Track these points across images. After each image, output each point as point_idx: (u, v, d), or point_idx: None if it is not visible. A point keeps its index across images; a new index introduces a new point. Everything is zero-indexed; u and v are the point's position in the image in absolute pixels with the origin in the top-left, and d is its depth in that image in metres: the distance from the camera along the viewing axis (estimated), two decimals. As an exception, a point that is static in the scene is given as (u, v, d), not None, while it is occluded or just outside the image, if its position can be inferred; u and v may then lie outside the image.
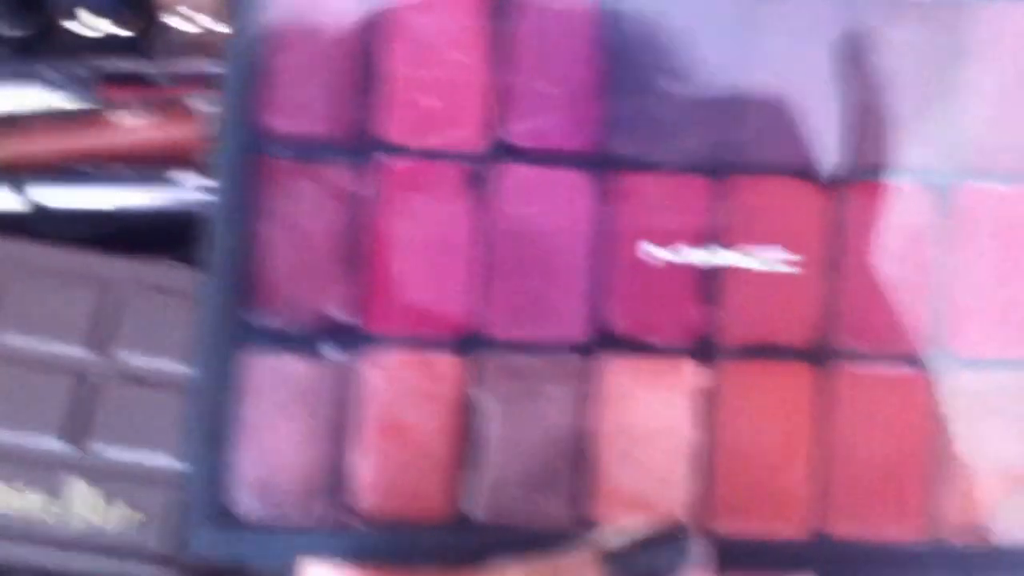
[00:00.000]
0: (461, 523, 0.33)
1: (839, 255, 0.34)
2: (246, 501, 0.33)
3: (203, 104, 0.43)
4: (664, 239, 0.34)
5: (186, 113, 0.44)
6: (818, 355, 0.34)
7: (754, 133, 0.34)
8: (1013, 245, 0.34)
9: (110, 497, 0.39)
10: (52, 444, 0.39)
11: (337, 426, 0.33)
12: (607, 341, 0.34)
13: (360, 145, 0.34)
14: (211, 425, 0.33)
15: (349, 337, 0.34)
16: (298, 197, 0.34)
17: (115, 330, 0.40)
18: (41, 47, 0.44)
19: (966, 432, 0.34)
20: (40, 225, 0.43)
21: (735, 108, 0.34)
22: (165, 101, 0.44)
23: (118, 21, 0.43)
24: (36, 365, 0.40)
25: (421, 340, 0.34)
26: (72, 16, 0.43)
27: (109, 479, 0.39)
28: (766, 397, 0.34)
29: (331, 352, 0.33)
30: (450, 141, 0.34)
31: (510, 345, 0.34)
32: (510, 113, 0.34)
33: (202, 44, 0.44)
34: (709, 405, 0.34)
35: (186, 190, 0.43)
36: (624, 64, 0.34)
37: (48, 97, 0.44)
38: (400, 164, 0.34)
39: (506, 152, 0.34)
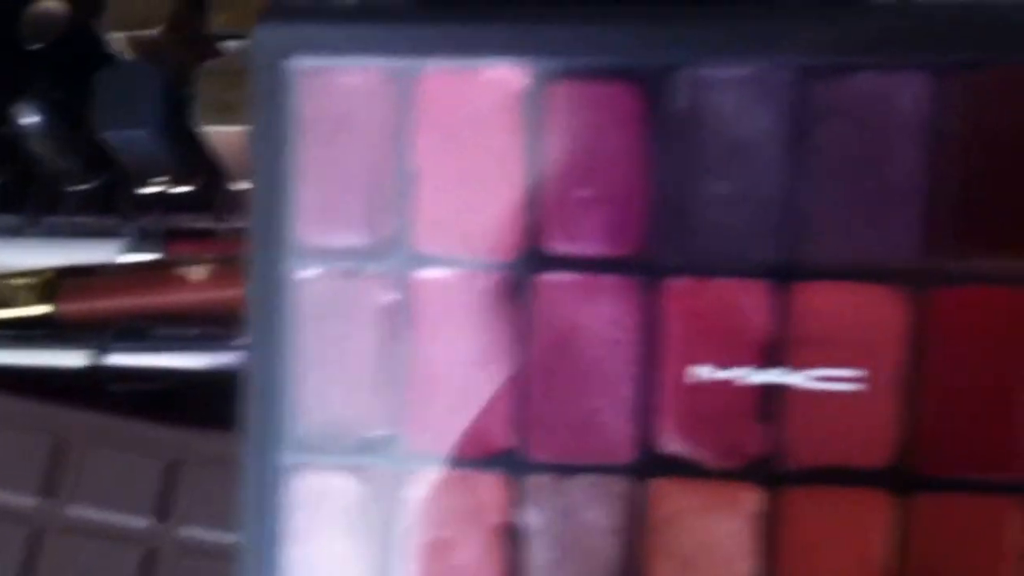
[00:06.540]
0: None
1: (920, 369, 0.30)
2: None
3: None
4: (717, 353, 0.31)
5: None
6: (898, 480, 0.30)
7: (819, 235, 0.31)
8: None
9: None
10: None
11: (383, 545, 0.32)
12: (657, 463, 0.31)
13: (394, 254, 0.32)
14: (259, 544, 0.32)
15: (391, 456, 0.32)
16: (334, 313, 0.32)
17: (176, 502, 0.40)
18: (110, 201, 0.45)
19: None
20: (97, 380, 0.42)
21: (795, 209, 0.31)
22: (229, 258, 0.44)
23: (180, 177, 0.44)
24: (103, 535, 0.40)
25: (463, 459, 0.32)
26: (141, 173, 0.43)
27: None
28: (835, 524, 0.30)
29: (375, 470, 0.32)
30: (484, 250, 0.32)
31: (553, 467, 0.31)
32: (547, 219, 0.32)
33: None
34: (769, 532, 0.30)
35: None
36: (669, 166, 0.31)
37: (117, 251, 0.44)
38: (431, 275, 0.32)
39: (543, 261, 0.32)
